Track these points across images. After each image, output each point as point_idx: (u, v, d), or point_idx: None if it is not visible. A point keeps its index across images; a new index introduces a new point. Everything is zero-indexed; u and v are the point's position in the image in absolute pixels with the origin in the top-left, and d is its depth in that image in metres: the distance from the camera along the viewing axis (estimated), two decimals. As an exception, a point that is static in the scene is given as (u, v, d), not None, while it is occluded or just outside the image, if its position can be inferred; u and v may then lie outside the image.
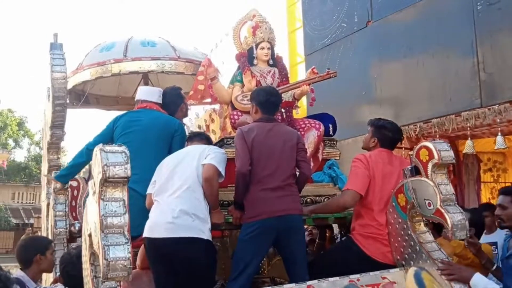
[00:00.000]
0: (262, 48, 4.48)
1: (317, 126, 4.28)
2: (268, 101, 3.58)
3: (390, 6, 7.32)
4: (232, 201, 3.52)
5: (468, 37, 6.13)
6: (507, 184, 9.00)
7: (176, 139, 3.84)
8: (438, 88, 6.51)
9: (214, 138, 4.58)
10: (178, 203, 3.18)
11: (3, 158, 26.32)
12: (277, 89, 4.24)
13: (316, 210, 3.66)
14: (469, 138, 6.49)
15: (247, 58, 4.51)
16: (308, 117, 4.76)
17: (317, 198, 3.95)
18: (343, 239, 3.63)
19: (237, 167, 3.35)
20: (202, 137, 3.72)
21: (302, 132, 4.18)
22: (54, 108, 4.35)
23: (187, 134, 4.06)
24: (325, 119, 4.56)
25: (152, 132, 3.83)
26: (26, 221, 24.87)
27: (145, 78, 5.81)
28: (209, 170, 3.27)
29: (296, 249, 3.33)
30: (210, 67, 4.47)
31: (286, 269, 3.43)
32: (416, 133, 6.78)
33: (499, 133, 6.02)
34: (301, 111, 9.42)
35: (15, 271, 3.60)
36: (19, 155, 30.78)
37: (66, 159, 29.10)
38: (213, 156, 3.33)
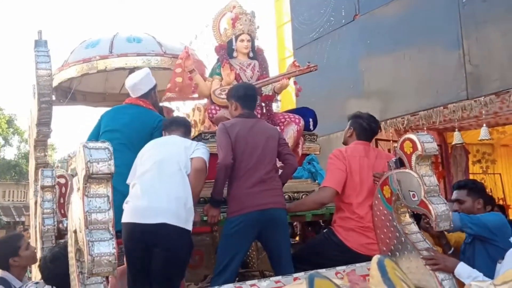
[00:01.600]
0: (242, 41, 4.40)
1: (297, 120, 4.26)
2: (246, 95, 3.58)
3: (377, 0, 7.34)
4: (208, 198, 3.49)
5: (454, 30, 6.17)
6: (496, 175, 9.12)
7: (155, 136, 3.74)
8: (425, 81, 6.55)
9: (194, 130, 4.45)
10: (172, 190, 3.13)
11: (-7, 156, 26.14)
12: (257, 82, 4.24)
13: (291, 208, 3.61)
14: (457, 130, 6.55)
15: (226, 51, 4.43)
16: (288, 111, 4.75)
17: (295, 194, 3.94)
18: (324, 231, 3.65)
19: (220, 159, 3.32)
20: (179, 124, 3.61)
21: (282, 127, 4.17)
22: (40, 105, 4.33)
23: None
24: (306, 113, 4.55)
25: (132, 129, 3.82)
26: (17, 219, 24.69)
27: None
28: (201, 162, 3.27)
29: (280, 243, 3.33)
30: (188, 60, 4.38)
31: (271, 263, 3.44)
32: (404, 125, 6.83)
33: (484, 125, 6.07)
34: (289, 102, 9.47)
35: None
36: (9, 153, 30.56)
37: (56, 156, 29.05)
38: (203, 151, 3.35)
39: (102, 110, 6.68)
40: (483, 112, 5.94)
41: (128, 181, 3.30)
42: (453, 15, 6.20)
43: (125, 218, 3.08)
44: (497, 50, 5.75)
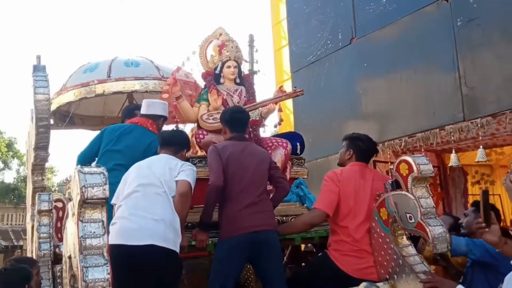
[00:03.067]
0: (229, 67, 4.44)
1: (284, 144, 4.26)
2: (233, 118, 3.59)
3: (373, 24, 7.43)
4: (196, 222, 3.46)
5: (449, 53, 6.23)
6: (495, 196, 9.09)
7: (146, 156, 3.67)
8: (422, 103, 6.58)
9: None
10: (158, 212, 3.09)
11: (-8, 179, 26.08)
12: (244, 107, 4.26)
13: (281, 230, 3.55)
14: (454, 151, 6.56)
15: (213, 77, 4.47)
16: (276, 135, 4.76)
17: (284, 218, 3.90)
18: (319, 254, 3.62)
19: (211, 181, 3.31)
20: (170, 144, 3.55)
21: (270, 151, 4.16)
22: (38, 129, 4.34)
23: None
24: (293, 138, 4.57)
25: (135, 151, 3.82)
26: (16, 243, 24.50)
27: (130, 98, 5.83)
28: (185, 186, 3.22)
29: (272, 266, 3.29)
30: (175, 86, 4.39)
31: (263, 287, 3.41)
32: (402, 147, 6.84)
33: (481, 146, 6.09)
34: (287, 124, 9.47)
35: None
36: (8, 176, 30.54)
37: (56, 179, 28.99)
38: (188, 173, 3.29)
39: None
40: (480, 133, 5.96)
41: (112, 202, 3.24)
42: (448, 38, 6.27)
43: (111, 240, 2.97)
44: (492, 73, 5.80)
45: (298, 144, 4.54)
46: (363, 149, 3.62)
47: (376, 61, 7.36)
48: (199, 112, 4.37)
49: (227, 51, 4.47)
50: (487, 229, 2.56)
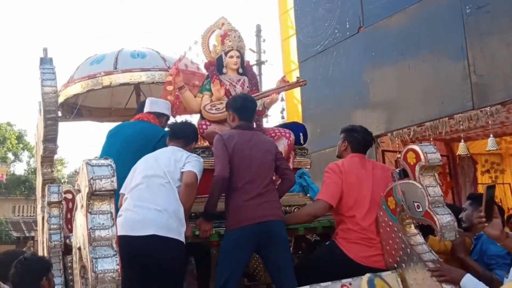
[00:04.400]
0: (231, 57, 4.42)
1: (287, 135, 4.24)
2: (245, 106, 3.60)
3: (381, 12, 7.37)
4: (200, 213, 3.48)
5: (458, 41, 6.17)
6: (505, 185, 9.04)
7: (158, 148, 3.73)
8: (430, 92, 6.54)
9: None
10: (161, 202, 3.14)
11: (3, 171, 26.34)
12: None
13: (284, 221, 3.54)
14: (463, 140, 6.52)
15: (216, 67, 4.45)
16: (278, 126, 4.75)
17: (287, 208, 3.91)
18: (326, 243, 3.62)
19: (217, 172, 3.31)
20: (179, 137, 3.61)
21: None
22: (46, 122, 4.35)
23: None
24: (296, 128, 4.56)
25: (133, 142, 3.87)
26: (27, 234, 24.79)
27: (137, 89, 5.85)
28: (191, 177, 3.26)
29: (279, 255, 3.30)
30: (178, 76, 4.38)
31: (271, 276, 3.42)
32: (410, 136, 6.81)
33: (491, 135, 6.04)
34: (295, 113, 9.46)
35: None
36: (19, 169, 30.81)
37: (66, 171, 29.22)
38: (194, 164, 3.33)
39: (108, 124, 6.76)
40: (490, 122, 5.92)
41: (121, 191, 3.30)
42: (457, 26, 6.21)
43: (118, 231, 3.07)
44: (502, 60, 5.74)
45: (301, 134, 4.55)
46: (358, 140, 3.65)
47: (384, 50, 7.31)
48: (201, 102, 4.36)
49: (230, 41, 4.44)
50: (486, 224, 2.56)
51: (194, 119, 4.81)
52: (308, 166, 4.52)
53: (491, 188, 2.64)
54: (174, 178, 3.27)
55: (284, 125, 4.74)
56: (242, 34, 4.57)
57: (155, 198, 3.17)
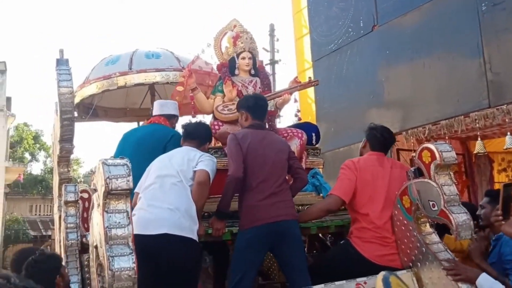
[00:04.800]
0: (243, 58, 4.45)
1: (300, 135, 4.26)
2: (257, 105, 3.61)
3: (395, 10, 7.33)
4: (212, 212, 3.50)
5: (474, 38, 6.11)
6: (522, 184, 8.91)
7: (169, 148, 3.80)
8: (446, 90, 6.48)
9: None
10: (173, 201, 3.17)
11: (20, 171, 26.61)
12: None
13: (298, 218, 3.55)
14: (479, 139, 6.45)
15: (228, 68, 4.48)
16: (291, 126, 4.77)
17: (300, 207, 3.91)
18: (341, 242, 3.62)
19: (231, 172, 3.33)
20: (193, 137, 3.65)
21: None
22: (62, 122, 4.41)
23: None
24: (308, 128, 4.57)
25: (145, 144, 3.94)
26: (44, 233, 25.03)
27: (152, 89, 5.89)
28: (204, 175, 3.28)
29: (293, 255, 3.30)
30: (190, 78, 4.43)
31: (285, 276, 3.42)
32: (425, 135, 6.76)
33: (509, 133, 5.97)
34: (309, 112, 9.42)
35: None
36: (36, 168, 31.12)
37: (81, 170, 29.47)
38: (207, 163, 3.35)
39: (123, 124, 6.82)
40: (506, 120, 5.84)
41: (136, 190, 3.32)
42: (473, 23, 6.15)
43: None
44: (518, 58, 5.68)
45: (313, 134, 4.57)
46: (378, 138, 3.64)
47: (398, 48, 7.27)
48: (214, 103, 4.40)
49: (242, 43, 4.48)
50: (503, 222, 2.53)
51: (207, 119, 4.86)
52: (321, 166, 4.53)
53: (508, 186, 2.62)
54: (187, 177, 3.30)
55: (297, 125, 4.77)
56: (254, 35, 4.60)
57: (168, 197, 3.20)
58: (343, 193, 3.40)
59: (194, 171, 3.31)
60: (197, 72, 4.79)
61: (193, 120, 4.67)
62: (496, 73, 5.89)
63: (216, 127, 4.19)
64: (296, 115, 4.64)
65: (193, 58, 4.93)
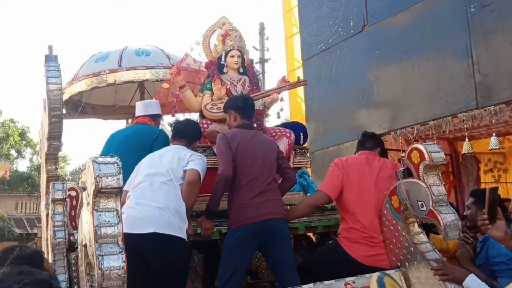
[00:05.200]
0: (232, 56, 4.45)
1: (288, 134, 4.28)
2: (246, 105, 3.64)
3: (385, 10, 7.35)
4: (201, 211, 3.51)
5: (463, 39, 6.15)
6: (508, 185, 9.03)
7: (155, 146, 3.83)
8: (434, 90, 6.52)
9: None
10: (162, 200, 3.16)
11: (6, 168, 26.35)
12: None
13: (288, 215, 3.60)
14: (467, 139, 6.50)
15: (217, 66, 4.48)
16: (278, 125, 4.78)
17: (287, 207, 3.93)
18: (329, 242, 3.65)
19: (220, 171, 3.34)
20: (182, 136, 3.67)
21: None
22: (50, 119, 4.38)
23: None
24: (296, 128, 4.59)
25: (131, 143, 3.97)
26: (30, 231, 24.83)
27: (141, 87, 5.86)
28: (194, 174, 3.29)
29: (282, 253, 3.32)
30: (178, 75, 4.39)
31: (273, 274, 3.44)
32: (414, 135, 6.80)
33: (494, 134, 6.03)
34: (298, 111, 9.41)
35: None
36: (22, 165, 30.84)
37: (68, 168, 29.23)
38: (197, 163, 3.35)
39: (112, 122, 6.78)
40: (493, 121, 5.90)
41: (124, 188, 3.30)
42: (462, 24, 6.18)
43: None
44: (506, 59, 5.71)
45: (301, 134, 4.59)
46: (359, 140, 3.82)
47: (388, 49, 7.29)
48: (202, 101, 4.39)
49: (231, 41, 4.47)
50: (489, 226, 2.56)
51: (193, 117, 4.86)
52: (308, 166, 4.57)
53: (493, 190, 2.64)
54: (177, 176, 3.29)
55: (284, 125, 4.78)
56: (244, 34, 4.59)
57: (157, 196, 3.19)
58: (330, 189, 3.46)
59: (185, 170, 3.30)
60: (187, 70, 4.77)
61: (181, 119, 4.69)
62: (484, 75, 5.93)
63: (205, 125, 4.18)
64: (278, 114, 4.62)
65: (183, 56, 4.91)
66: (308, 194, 4.24)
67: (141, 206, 3.16)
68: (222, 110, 3.99)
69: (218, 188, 3.35)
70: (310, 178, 4.48)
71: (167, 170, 3.30)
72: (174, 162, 3.35)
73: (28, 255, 3.29)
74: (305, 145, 4.71)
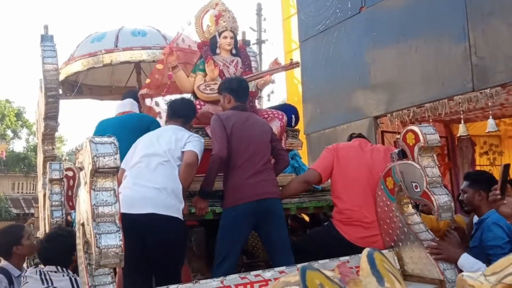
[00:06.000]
0: (225, 37, 4.43)
1: (280, 116, 4.29)
2: (240, 87, 3.66)
3: (383, -8, 7.30)
4: (195, 191, 3.53)
5: (460, 22, 6.13)
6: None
7: (152, 129, 3.84)
8: (431, 73, 6.51)
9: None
10: (159, 180, 3.18)
11: (2, 149, 26.36)
12: None
13: (282, 194, 3.65)
14: (463, 122, 6.53)
15: (209, 47, 4.46)
16: (271, 107, 4.79)
17: (280, 188, 4.00)
18: (325, 224, 3.70)
19: (215, 151, 3.36)
20: (178, 116, 3.67)
21: None
22: (47, 99, 4.38)
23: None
24: (288, 110, 4.60)
25: (128, 124, 4.00)
26: (27, 211, 24.91)
27: (137, 67, 5.84)
28: (192, 156, 3.31)
29: (277, 233, 3.37)
30: (171, 56, 4.37)
31: (268, 253, 3.48)
32: (410, 117, 6.81)
33: (491, 117, 6.05)
34: (295, 93, 9.38)
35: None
36: (18, 146, 30.82)
37: (65, 148, 29.22)
38: (195, 144, 3.37)
39: (108, 103, 6.77)
40: (489, 104, 5.91)
41: (122, 166, 3.30)
42: (459, 7, 6.16)
43: None
44: (503, 42, 5.71)
45: (293, 116, 4.59)
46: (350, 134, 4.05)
47: (385, 30, 7.26)
48: (195, 82, 4.38)
49: (224, 22, 4.44)
50: (505, 201, 2.61)
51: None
52: (300, 148, 4.60)
53: (507, 166, 2.72)
54: (174, 157, 3.30)
55: (276, 107, 4.78)
56: (239, 14, 4.58)
57: (154, 176, 3.21)
58: (320, 167, 3.59)
59: (182, 152, 3.32)
60: (183, 50, 4.75)
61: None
62: (481, 57, 5.93)
63: (198, 106, 4.16)
64: (268, 97, 4.63)
65: (176, 36, 4.88)
66: None
67: (138, 187, 3.18)
68: (216, 91, 3.99)
69: (212, 168, 3.37)
70: (302, 160, 4.51)
71: (165, 151, 3.31)
72: (172, 143, 3.36)
73: (65, 234, 3.36)
74: (297, 127, 4.72)
